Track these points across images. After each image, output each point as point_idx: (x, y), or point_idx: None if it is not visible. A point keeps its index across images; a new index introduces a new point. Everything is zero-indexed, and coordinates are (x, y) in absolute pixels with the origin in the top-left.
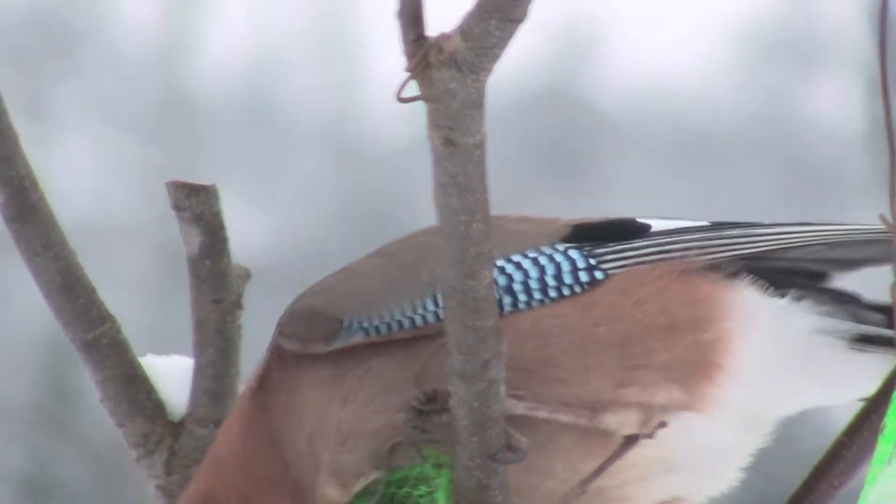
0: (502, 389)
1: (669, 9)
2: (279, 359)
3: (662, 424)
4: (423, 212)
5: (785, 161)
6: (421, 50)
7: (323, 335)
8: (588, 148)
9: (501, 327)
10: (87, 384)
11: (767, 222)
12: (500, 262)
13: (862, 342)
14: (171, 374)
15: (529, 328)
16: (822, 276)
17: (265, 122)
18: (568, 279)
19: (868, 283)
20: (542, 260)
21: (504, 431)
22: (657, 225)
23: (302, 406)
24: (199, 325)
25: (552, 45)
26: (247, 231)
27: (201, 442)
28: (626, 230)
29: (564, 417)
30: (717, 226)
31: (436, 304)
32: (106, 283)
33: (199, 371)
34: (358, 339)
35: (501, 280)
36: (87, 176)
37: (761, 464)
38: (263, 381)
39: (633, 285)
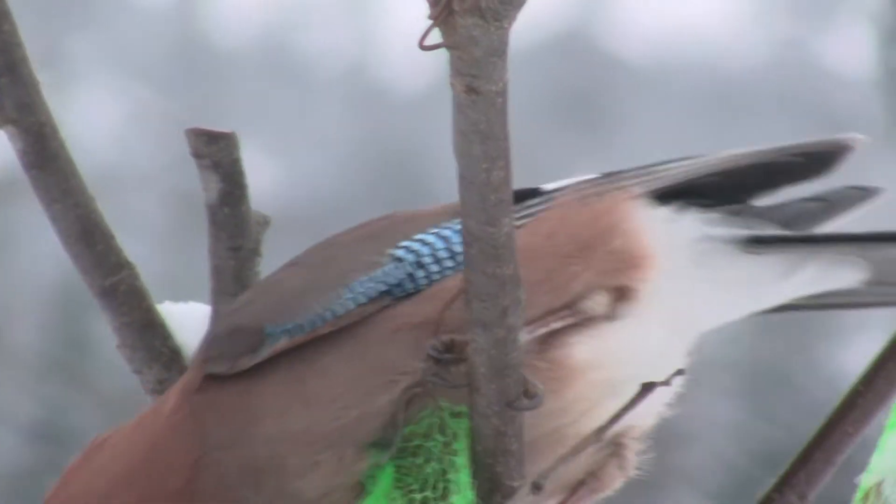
0: (520, 337)
1: None
2: (213, 377)
3: (681, 372)
4: (440, 160)
5: (801, 108)
6: None
7: (248, 348)
8: (606, 95)
9: (519, 275)
10: (100, 332)
11: (656, 162)
12: (404, 243)
13: (756, 244)
14: (189, 321)
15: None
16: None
17: (283, 70)
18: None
19: None
20: (446, 232)
21: (522, 378)
22: (547, 186)
23: (261, 412)
24: (217, 273)
25: None
26: (265, 179)
27: None
28: (521, 195)
29: (557, 324)
30: (606, 175)
31: (350, 291)
32: (124, 230)
33: (216, 318)
34: (283, 343)
35: (410, 258)
36: (104, 124)
37: (775, 414)
38: (189, 396)
39: (539, 224)
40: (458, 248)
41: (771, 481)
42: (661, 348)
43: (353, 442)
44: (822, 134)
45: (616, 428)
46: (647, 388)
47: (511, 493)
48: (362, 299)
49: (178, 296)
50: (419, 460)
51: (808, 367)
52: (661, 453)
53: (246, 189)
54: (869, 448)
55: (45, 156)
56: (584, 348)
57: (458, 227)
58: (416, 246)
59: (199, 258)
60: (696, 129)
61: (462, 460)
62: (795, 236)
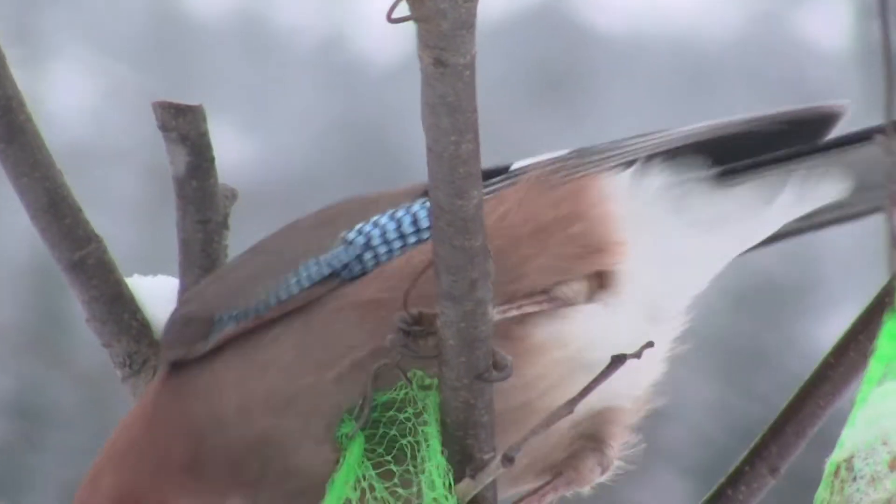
0: (489, 309)
1: None
2: (176, 363)
3: (650, 345)
4: (414, 134)
5: (777, 82)
6: None
7: (200, 335)
8: (579, 68)
9: (488, 247)
10: (74, 307)
11: (619, 140)
12: (357, 227)
13: (728, 177)
14: (157, 295)
15: (409, 273)
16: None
17: (258, 44)
18: (424, 223)
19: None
20: (400, 213)
21: (490, 351)
22: (516, 164)
23: (222, 385)
24: (185, 246)
25: None
26: (239, 153)
27: None
28: (486, 173)
29: (532, 307)
30: (575, 151)
31: (296, 275)
32: (94, 204)
33: (184, 291)
34: (230, 329)
35: (359, 239)
36: (77, 99)
37: (752, 390)
38: (167, 381)
39: (494, 205)
40: (409, 230)
41: (741, 456)
42: (641, 325)
43: (317, 410)
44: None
45: (602, 417)
46: (618, 360)
47: (482, 465)
48: (306, 283)
49: (147, 269)
50: (391, 431)
51: (783, 343)
52: (639, 429)
53: (213, 162)
54: (839, 421)
55: (13, 129)
56: (546, 329)
57: (415, 208)
58: (367, 228)
59: (167, 231)
60: (670, 103)
61: (433, 431)
62: (765, 159)
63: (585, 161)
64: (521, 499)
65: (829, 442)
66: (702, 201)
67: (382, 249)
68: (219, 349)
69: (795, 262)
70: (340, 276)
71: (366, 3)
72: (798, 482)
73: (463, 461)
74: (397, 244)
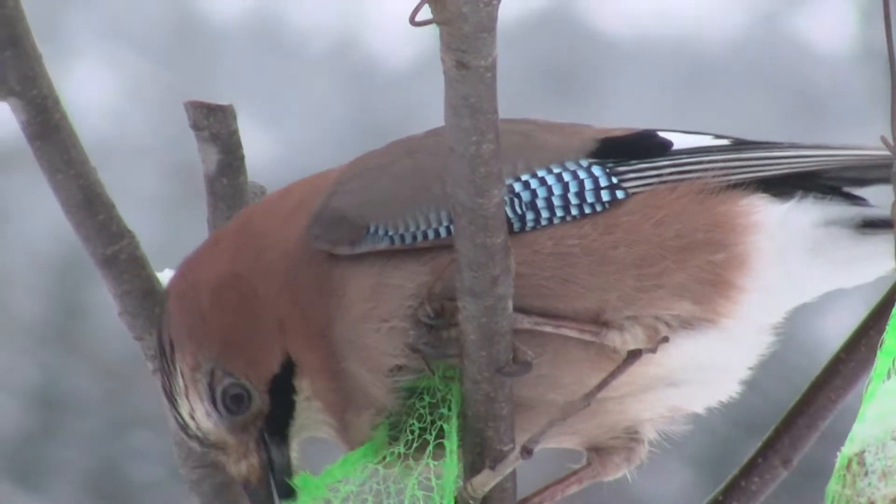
0: (510, 304)
1: None
2: (314, 251)
3: (665, 340)
4: None
5: (781, 84)
6: None
7: (349, 239)
8: (588, 69)
9: (510, 244)
10: (98, 301)
11: (786, 143)
12: (524, 177)
13: (868, 227)
14: None
15: (552, 247)
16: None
17: (277, 44)
18: (590, 197)
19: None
20: (566, 176)
21: (511, 345)
22: (679, 141)
23: (351, 299)
24: None
25: None
26: (259, 150)
27: None
28: (648, 146)
29: (569, 332)
30: (737, 145)
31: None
32: (123, 200)
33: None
34: (383, 246)
35: (525, 195)
36: (103, 97)
37: (755, 382)
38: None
39: (653, 206)
40: (574, 200)
41: (752, 447)
42: (739, 350)
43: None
44: (800, 109)
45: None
46: (634, 354)
47: (502, 456)
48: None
49: (177, 264)
50: (408, 418)
51: (786, 337)
52: None
53: (243, 160)
54: (850, 416)
55: (48, 127)
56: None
57: (583, 172)
58: (534, 184)
59: (197, 227)
60: (674, 102)
61: (450, 426)
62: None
63: (744, 166)
64: (547, 486)
65: (839, 435)
66: (839, 245)
67: (545, 214)
68: (355, 261)
69: None
70: None
71: (380, 5)
72: (809, 474)
73: (483, 453)
74: (560, 212)
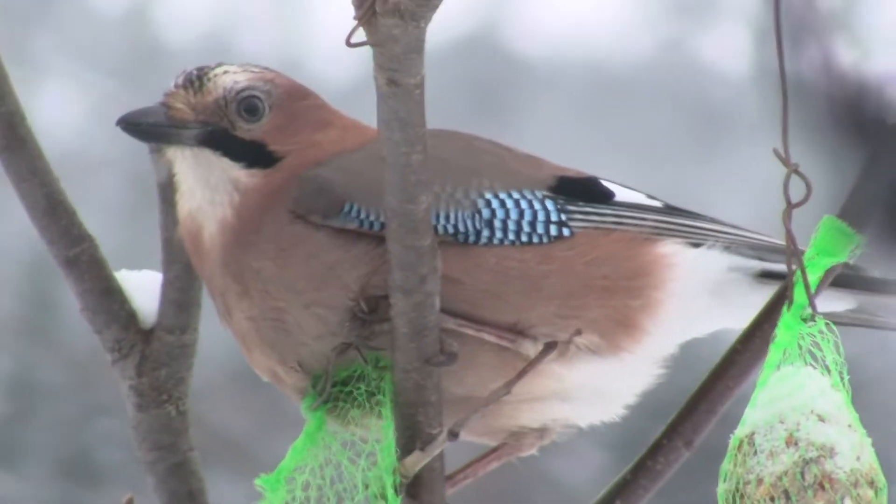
0: (437, 301)
1: None
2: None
3: (578, 332)
4: None
5: (682, 102)
6: (367, 0)
7: (324, 211)
8: (508, 90)
9: (437, 246)
10: (67, 297)
11: (707, 217)
12: (488, 196)
13: (766, 277)
14: (143, 287)
15: (493, 264)
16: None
17: None
18: (540, 228)
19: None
20: (523, 204)
21: (438, 338)
22: (620, 194)
23: (303, 268)
24: (167, 244)
25: None
26: None
27: (169, 347)
28: (595, 191)
29: (489, 337)
30: (668, 209)
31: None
32: (85, 208)
33: (166, 284)
34: (352, 226)
35: (486, 213)
36: (68, 114)
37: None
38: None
39: (589, 246)
40: (526, 227)
41: (658, 431)
42: (635, 375)
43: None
44: (702, 124)
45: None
46: (550, 346)
47: (431, 439)
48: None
49: (134, 265)
50: (347, 405)
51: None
52: None
53: None
54: (745, 403)
55: (15, 140)
56: (554, 364)
57: (537, 203)
58: (495, 204)
59: (150, 232)
60: (587, 122)
61: (386, 411)
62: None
63: (671, 229)
64: (469, 464)
65: (736, 420)
66: (738, 290)
67: (498, 234)
68: (324, 228)
69: None
70: (444, 233)
71: (321, 30)
72: (710, 456)
73: (413, 436)
74: (511, 235)
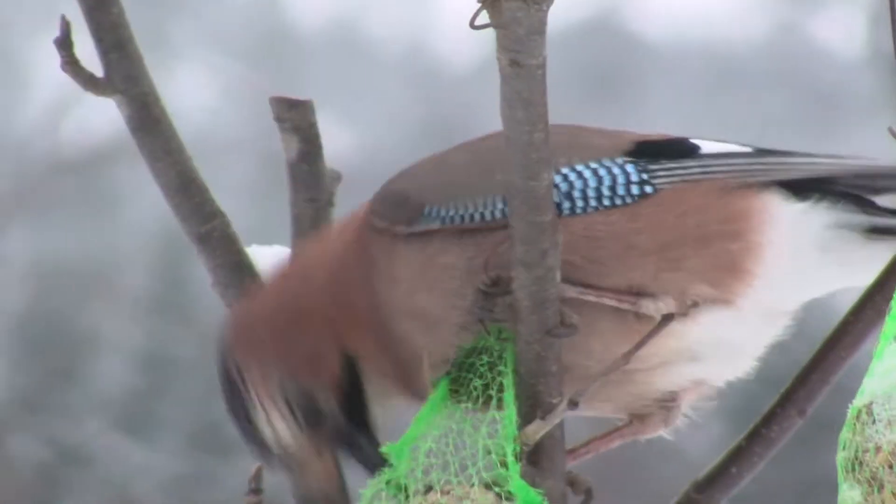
0: (557, 275)
1: None
2: (373, 228)
3: (695, 304)
4: (488, 127)
5: (796, 85)
6: None
7: (406, 218)
8: (627, 72)
9: (558, 221)
10: (196, 273)
11: (802, 152)
12: (564, 170)
13: (876, 233)
14: (273, 262)
15: (582, 230)
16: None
17: (353, 49)
18: (621, 191)
19: None
20: (601, 171)
21: (559, 310)
22: (706, 147)
23: (400, 275)
24: (297, 221)
25: None
26: (337, 144)
27: None
28: (679, 149)
29: (609, 301)
30: (758, 152)
31: (504, 203)
32: (217, 186)
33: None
34: (434, 226)
35: (563, 186)
36: (201, 96)
37: (776, 343)
38: (359, 236)
39: (677, 201)
40: (607, 192)
41: (772, 400)
42: (754, 329)
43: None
44: (816, 107)
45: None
46: (667, 318)
47: (551, 408)
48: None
49: (264, 240)
50: (470, 376)
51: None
52: None
53: (321, 148)
54: (859, 375)
55: (149, 120)
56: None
57: (617, 168)
58: (572, 177)
59: (281, 208)
60: (704, 102)
61: (508, 381)
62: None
63: (763, 169)
64: (591, 440)
65: (848, 389)
66: (849, 247)
67: (580, 203)
68: (408, 240)
69: None
70: None
71: (444, 13)
72: (822, 424)
73: (534, 405)
74: (593, 202)
